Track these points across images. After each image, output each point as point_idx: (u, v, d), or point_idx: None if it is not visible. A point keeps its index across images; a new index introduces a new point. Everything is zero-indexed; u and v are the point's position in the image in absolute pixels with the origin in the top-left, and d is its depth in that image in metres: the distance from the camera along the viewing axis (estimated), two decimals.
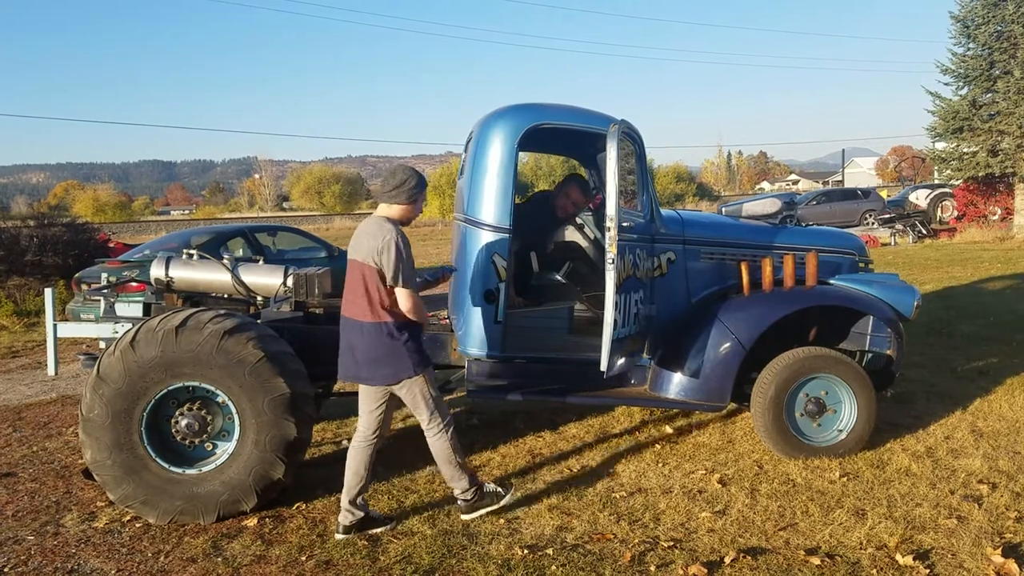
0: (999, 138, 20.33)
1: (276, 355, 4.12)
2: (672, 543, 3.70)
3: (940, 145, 22.44)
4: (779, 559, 3.52)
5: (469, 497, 4.01)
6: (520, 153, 4.78)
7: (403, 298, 3.73)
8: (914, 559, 3.44)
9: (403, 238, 3.72)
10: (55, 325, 4.85)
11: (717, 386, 4.71)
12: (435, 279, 4.55)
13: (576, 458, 4.95)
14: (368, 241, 3.72)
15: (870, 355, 5.22)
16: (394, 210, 3.83)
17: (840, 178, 67.44)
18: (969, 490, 4.22)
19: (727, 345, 4.71)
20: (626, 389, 4.92)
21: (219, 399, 4.13)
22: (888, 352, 5.09)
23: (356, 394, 5.85)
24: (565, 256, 5.60)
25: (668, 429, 5.46)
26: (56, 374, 4.97)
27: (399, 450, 5.21)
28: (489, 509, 4.02)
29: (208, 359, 4.00)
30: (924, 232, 21.78)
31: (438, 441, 3.94)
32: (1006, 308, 9.80)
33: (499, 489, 4.09)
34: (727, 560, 3.50)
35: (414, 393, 3.86)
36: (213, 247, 9.23)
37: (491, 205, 4.66)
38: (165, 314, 4.19)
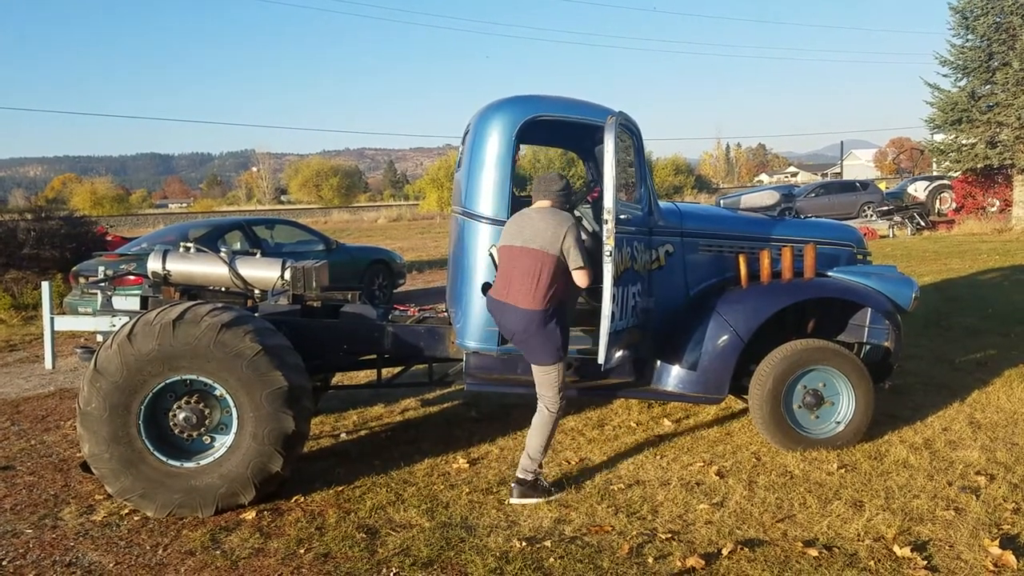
0: (997, 129, 20.30)
1: (274, 348, 4.11)
2: (670, 535, 3.71)
3: (939, 137, 22.39)
4: (777, 551, 3.53)
5: (529, 480, 4.17)
6: (520, 146, 4.76)
7: (583, 277, 4.06)
8: (912, 551, 3.45)
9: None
10: (52, 318, 4.84)
11: (715, 379, 4.71)
12: None
13: (574, 451, 4.95)
14: (550, 231, 4.01)
15: (868, 347, 5.22)
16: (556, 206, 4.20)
17: (839, 170, 67.39)
18: (967, 481, 4.23)
19: (725, 338, 4.70)
20: (624, 382, 4.92)
21: (217, 392, 4.13)
22: (886, 344, 5.10)
23: (354, 388, 5.88)
24: None
25: (666, 422, 5.47)
26: (54, 367, 4.96)
27: (396, 443, 5.21)
28: (536, 501, 4.14)
29: (206, 352, 3.99)
30: (922, 224, 21.77)
31: (547, 417, 4.16)
32: (1004, 300, 9.81)
33: (551, 487, 4.26)
34: (725, 552, 3.51)
35: (549, 374, 4.13)
36: (210, 240, 9.20)
37: (489, 198, 4.65)
38: (162, 307, 4.17)
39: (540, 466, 4.22)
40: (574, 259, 4.01)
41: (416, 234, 29.30)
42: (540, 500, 4.15)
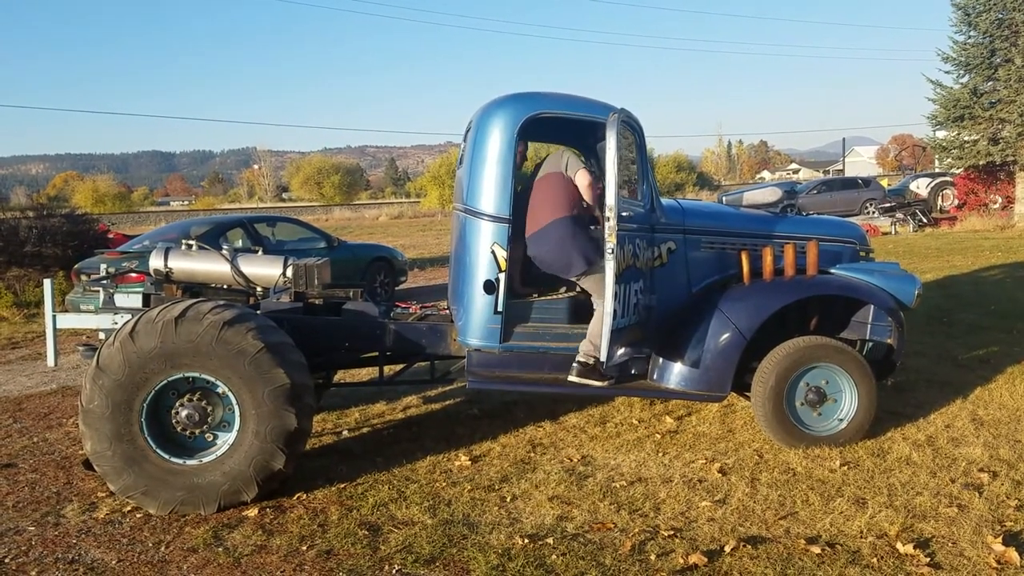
0: (1000, 126, 20.26)
1: (276, 346, 4.11)
2: (672, 532, 3.71)
3: (941, 133, 22.36)
4: (779, 548, 3.52)
5: (589, 363, 4.55)
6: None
7: (585, 176, 4.64)
8: (915, 548, 3.45)
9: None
10: (54, 316, 4.83)
11: (717, 376, 4.70)
12: None
13: (576, 448, 4.95)
14: (553, 159, 4.78)
15: (871, 344, 5.21)
16: None
17: (841, 167, 67.26)
18: (970, 479, 4.23)
19: (727, 335, 4.70)
20: (626, 379, 4.91)
21: (219, 390, 4.13)
22: (889, 341, 5.08)
23: (356, 385, 5.88)
24: None
25: (668, 419, 5.46)
26: (56, 365, 4.96)
27: (398, 440, 5.22)
28: (593, 383, 4.57)
29: (208, 350, 3.99)
30: (925, 221, 21.75)
31: (603, 313, 4.43)
32: (1007, 296, 9.79)
33: (606, 383, 4.61)
34: (727, 549, 3.50)
35: (595, 280, 4.53)
36: (212, 238, 9.21)
37: (491, 195, 4.64)
38: (164, 305, 4.17)
39: (598, 358, 4.47)
40: (572, 166, 4.64)
41: (417, 231, 29.30)
42: (597, 384, 4.54)
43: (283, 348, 4.15)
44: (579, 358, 4.62)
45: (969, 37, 20.87)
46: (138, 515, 4.09)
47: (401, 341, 4.98)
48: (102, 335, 4.83)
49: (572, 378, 4.60)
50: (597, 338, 4.52)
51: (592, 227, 4.77)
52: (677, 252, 5.02)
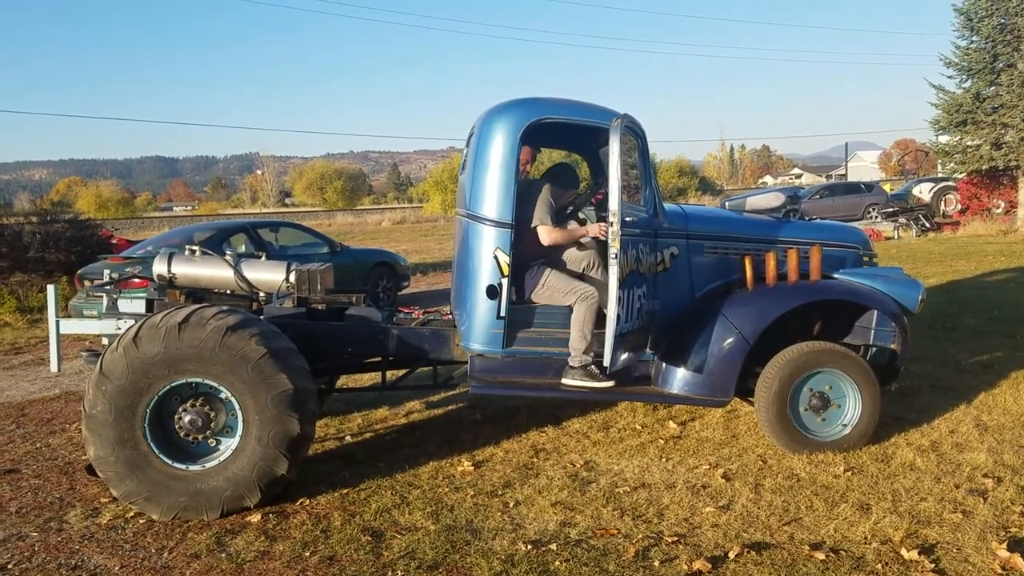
0: (1003, 131, 20.27)
1: (279, 351, 4.11)
2: (676, 538, 3.70)
3: (943, 138, 22.37)
4: (783, 554, 3.51)
5: (576, 365, 4.62)
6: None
7: (541, 235, 4.77)
8: (919, 554, 3.43)
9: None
10: (58, 321, 4.84)
11: (721, 381, 4.70)
12: None
13: (579, 453, 4.94)
14: (533, 197, 4.83)
15: (874, 349, 5.20)
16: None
17: (843, 172, 67.34)
18: (974, 484, 4.21)
19: (731, 340, 4.69)
20: (629, 384, 4.90)
21: (222, 395, 4.12)
22: (892, 346, 5.08)
23: (359, 390, 5.89)
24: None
25: (671, 424, 5.45)
26: (59, 370, 4.96)
27: (401, 446, 5.21)
28: (586, 384, 4.59)
29: (211, 355, 3.99)
30: (927, 226, 21.74)
31: (577, 313, 4.65)
32: (1010, 301, 9.78)
33: (602, 383, 4.58)
34: (731, 555, 3.49)
35: (552, 296, 4.77)
36: (215, 243, 9.22)
37: (493, 200, 4.64)
38: (168, 310, 4.18)
39: (585, 352, 4.59)
40: (534, 220, 4.74)
41: (420, 236, 29.34)
42: (587, 383, 4.59)
43: (286, 353, 4.15)
44: (569, 361, 4.68)
45: (972, 42, 20.91)
46: (141, 521, 4.08)
47: (404, 346, 4.98)
48: (105, 340, 4.83)
49: (565, 381, 4.65)
50: (579, 342, 4.62)
51: (536, 260, 4.86)
52: (680, 257, 5.02)
